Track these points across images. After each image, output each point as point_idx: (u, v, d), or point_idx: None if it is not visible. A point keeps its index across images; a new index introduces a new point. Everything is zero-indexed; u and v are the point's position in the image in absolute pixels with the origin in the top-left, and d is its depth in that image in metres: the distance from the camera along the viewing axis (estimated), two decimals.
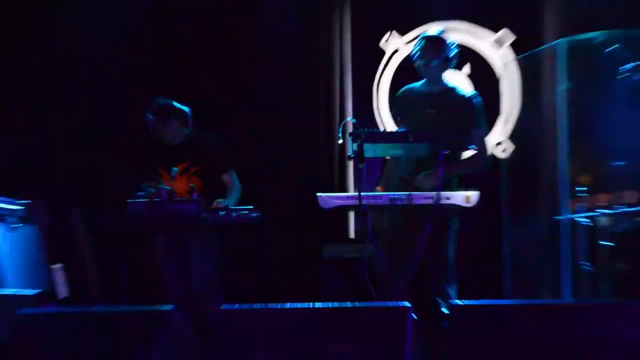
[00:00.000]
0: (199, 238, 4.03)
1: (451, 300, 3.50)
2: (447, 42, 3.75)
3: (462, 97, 3.78)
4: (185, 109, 4.19)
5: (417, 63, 3.76)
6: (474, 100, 3.78)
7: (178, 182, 4.11)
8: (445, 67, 3.77)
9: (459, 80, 4.84)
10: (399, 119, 3.82)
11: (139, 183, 3.82)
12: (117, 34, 5.10)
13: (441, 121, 3.63)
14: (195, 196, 3.82)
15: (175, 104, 4.16)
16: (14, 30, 5.14)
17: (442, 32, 3.79)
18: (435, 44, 3.72)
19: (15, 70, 5.14)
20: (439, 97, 3.77)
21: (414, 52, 3.78)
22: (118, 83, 5.14)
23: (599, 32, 4.34)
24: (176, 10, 5.21)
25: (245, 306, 2.70)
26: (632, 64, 3.27)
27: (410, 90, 3.87)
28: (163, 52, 5.21)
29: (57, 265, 4.47)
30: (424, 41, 3.74)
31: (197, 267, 4.04)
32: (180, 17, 5.22)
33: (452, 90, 3.81)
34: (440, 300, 3.64)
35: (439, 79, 3.79)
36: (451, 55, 3.76)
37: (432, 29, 3.86)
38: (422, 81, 3.86)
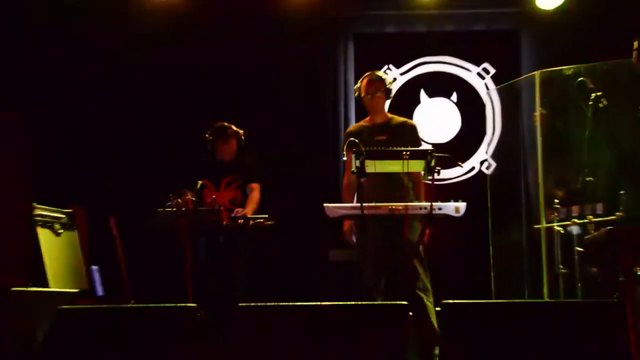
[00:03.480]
0: (235, 243, 4.16)
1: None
2: (385, 79, 4.06)
3: (403, 122, 4.09)
4: (241, 131, 4.45)
5: (363, 97, 4.02)
6: (413, 124, 4.10)
7: (223, 193, 4.33)
8: (385, 99, 4.06)
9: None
10: (353, 149, 3.55)
11: (169, 194, 3.93)
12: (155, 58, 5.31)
13: (392, 145, 3.72)
14: (217, 206, 4.05)
15: (233, 126, 4.42)
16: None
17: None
18: (376, 80, 4.03)
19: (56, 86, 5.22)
20: (385, 125, 4.03)
21: (358, 88, 4.05)
22: (152, 106, 5.33)
23: (568, 66, 4.59)
24: (204, 40, 5.42)
25: (260, 304, 2.79)
26: (596, 93, 3.38)
27: (358, 126, 4.15)
28: (192, 75, 5.40)
29: (95, 267, 4.75)
30: (366, 79, 4.03)
31: (233, 268, 4.17)
32: (206, 45, 5.41)
33: (393, 118, 4.10)
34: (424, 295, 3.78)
35: (381, 111, 4.07)
36: (389, 88, 4.08)
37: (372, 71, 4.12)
38: (366, 118, 4.12)
